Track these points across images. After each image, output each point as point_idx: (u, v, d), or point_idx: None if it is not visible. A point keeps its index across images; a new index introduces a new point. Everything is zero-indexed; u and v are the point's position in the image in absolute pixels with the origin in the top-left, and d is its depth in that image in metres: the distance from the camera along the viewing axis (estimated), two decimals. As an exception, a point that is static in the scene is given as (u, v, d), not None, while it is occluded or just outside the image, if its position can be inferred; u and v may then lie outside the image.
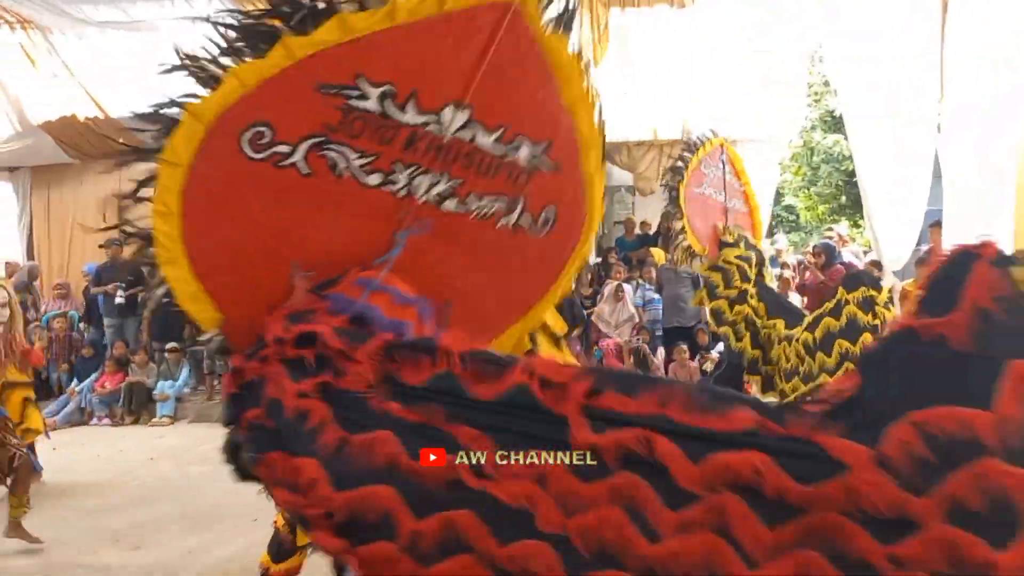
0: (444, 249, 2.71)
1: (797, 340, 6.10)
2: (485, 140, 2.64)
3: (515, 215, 2.81)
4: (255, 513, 5.83)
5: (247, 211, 2.42)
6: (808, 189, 21.90)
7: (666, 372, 9.24)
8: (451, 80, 2.53)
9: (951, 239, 8.82)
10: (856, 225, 17.87)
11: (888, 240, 8.97)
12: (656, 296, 9.86)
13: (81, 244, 11.98)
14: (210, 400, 10.15)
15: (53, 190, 12.69)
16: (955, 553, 1.46)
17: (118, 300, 10.33)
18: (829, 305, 6.00)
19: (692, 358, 9.18)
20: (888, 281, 8.91)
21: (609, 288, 9.84)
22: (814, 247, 10.74)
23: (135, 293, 9.86)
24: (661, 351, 9.66)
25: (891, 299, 6.20)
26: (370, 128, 2.45)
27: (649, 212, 13.20)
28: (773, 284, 8.09)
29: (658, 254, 10.74)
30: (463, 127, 2.58)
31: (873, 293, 5.91)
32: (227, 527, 5.58)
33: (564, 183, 2.88)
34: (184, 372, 10.29)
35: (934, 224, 8.37)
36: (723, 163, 7.06)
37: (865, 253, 11.06)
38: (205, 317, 2.45)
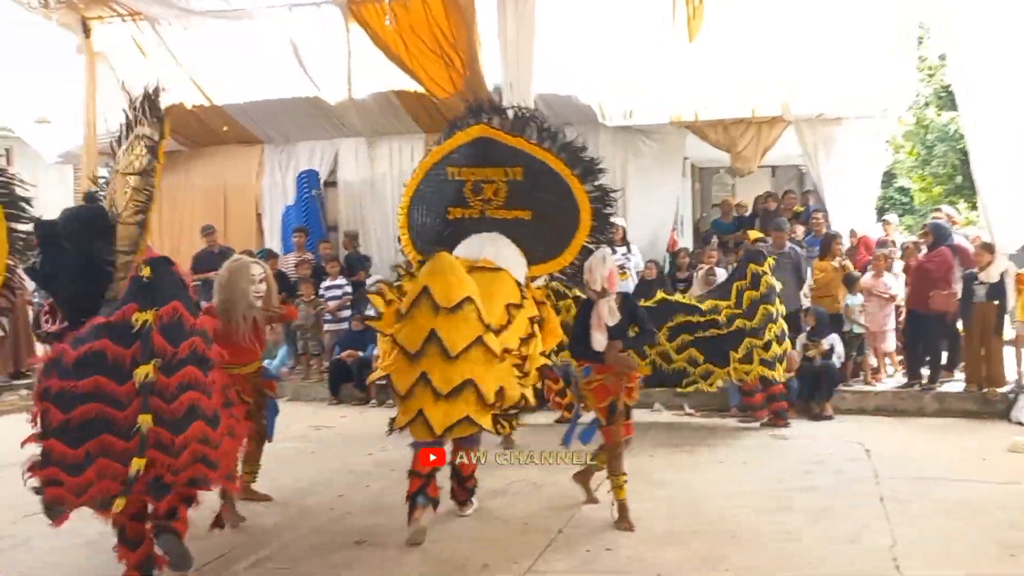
0: None
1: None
2: None
3: None
4: (341, 489, 5.99)
5: None
6: (922, 169, 20.84)
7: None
8: None
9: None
10: (974, 207, 16.92)
11: (1002, 223, 8.48)
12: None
13: (190, 230, 12.41)
14: (306, 379, 10.44)
15: (164, 177, 13.22)
16: None
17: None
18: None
19: (792, 344, 8.84)
20: (1001, 265, 8.40)
21: (700, 272, 9.59)
22: (923, 227, 10.23)
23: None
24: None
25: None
26: None
27: (747, 193, 12.85)
28: None
29: (755, 236, 10.40)
30: None
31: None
32: (312, 503, 5.72)
33: None
34: (282, 352, 10.60)
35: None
36: None
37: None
38: None
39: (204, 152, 12.83)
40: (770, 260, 7.98)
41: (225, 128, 12.24)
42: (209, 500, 5.06)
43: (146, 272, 4.03)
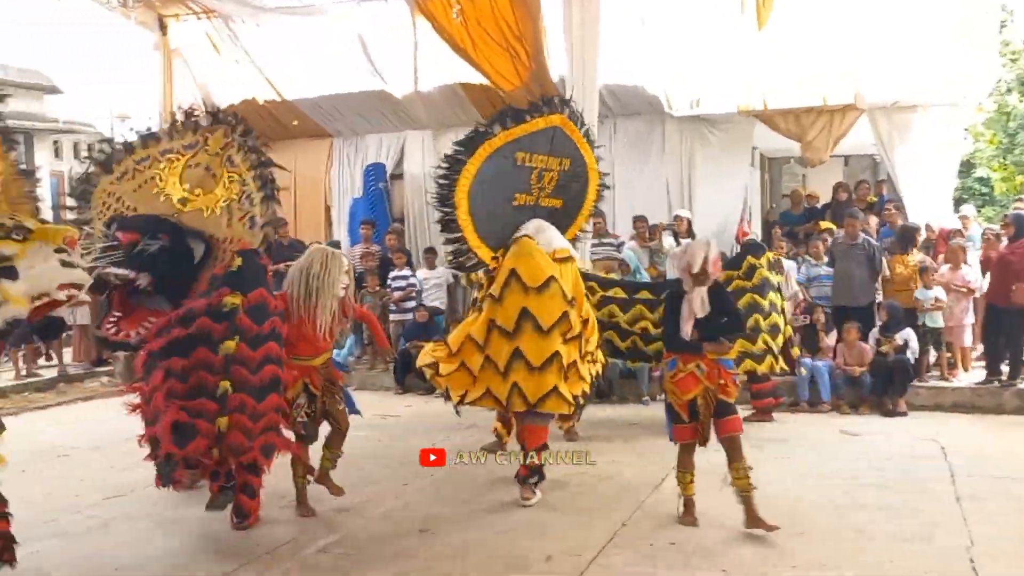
0: None
1: None
2: None
3: None
4: (406, 477, 6.06)
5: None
6: (1003, 158, 20.08)
7: (835, 354, 8.74)
8: None
9: None
10: (1061, 197, 16.21)
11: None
12: (823, 272, 9.33)
13: (261, 222, 12.71)
14: (372, 369, 10.59)
15: (237, 171, 13.55)
16: None
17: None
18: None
19: (864, 339, 8.63)
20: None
21: (768, 264, 9.40)
22: (1004, 217, 9.86)
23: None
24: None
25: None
26: None
27: (818, 183, 12.56)
28: None
29: (826, 227, 10.18)
30: None
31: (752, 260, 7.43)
32: (377, 491, 5.81)
33: None
34: (349, 341, 10.77)
35: None
36: None
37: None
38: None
39: (275, 146, 13.02)
40: (769, 255, 7.71)
41: (295, 123, 12.48)
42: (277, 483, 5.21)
43: (238, 262, 4.82)
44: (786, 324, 7.63)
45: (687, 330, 4.85)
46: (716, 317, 4.87)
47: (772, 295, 7.40)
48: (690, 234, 10.03)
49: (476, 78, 10.61)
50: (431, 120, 11.91)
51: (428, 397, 9.52)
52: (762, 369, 7.36)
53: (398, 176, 12.51)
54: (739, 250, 8.51)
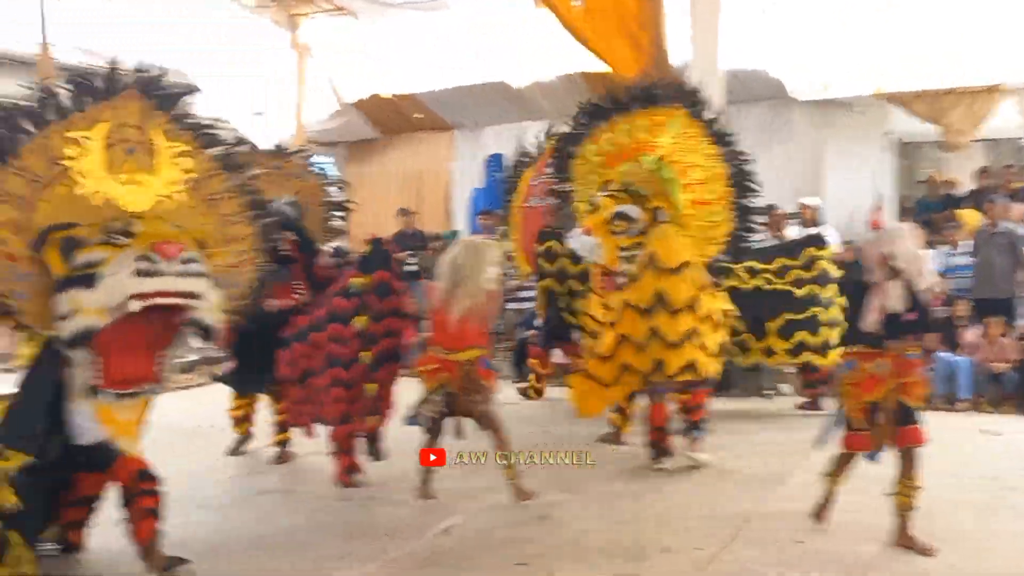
0: None
1: None
2: None
3: None
4: (522, 466, 6.10)
5: None
6: None
7: (975, 349, 8.27)
8: None
9: None
10: None
11: None
12: (962, 262, 8.84)
13: (386, 213, 13.03)
14: (490, 358, 10.69)
15: (364, 164, 13.96)
16: None
17: (409, 267, 11.10)
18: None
19: (1009, 333, 8.13)
20: None
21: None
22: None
23: (423, 259, 10.58)
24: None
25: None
26: None
27: (959, 168, 11.87)
28: None
29: (970, 216, 9.62)
30: None
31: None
32: (497, 478, 5.82)
33: None
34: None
35: None
36: None
37: None
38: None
39: (399, 140, 13.44)
40: (831, 249, 7.54)
41: (418, 116, 12.76)
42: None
43: (366, 249, 5.61)
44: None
45: (873, 320, 4.36)
46: (905, 313, 4.36)
47: (832, 288, 7.26)
48: (815, 223, 9.69)
49: (597, 67, 10.55)
50: (551, 110, 11.91)
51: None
52: (824, 363, 7.15)
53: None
54: (801, 240, 8.27)
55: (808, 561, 4.29)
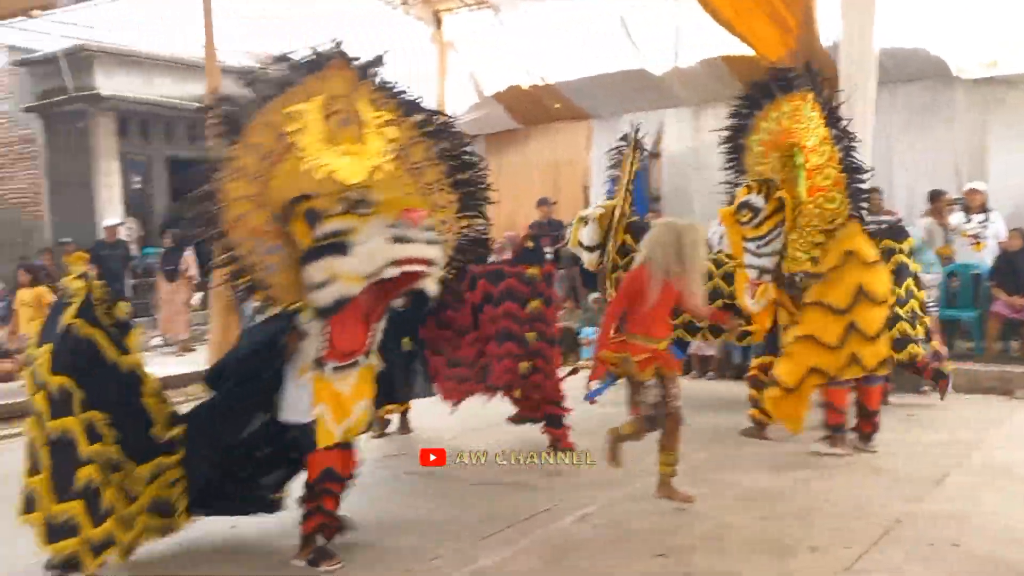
0: None
1: None
2: None
3: None
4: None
5: None
6: None
7: None
8: None
9: None
10: None
11: None
12: None
13: (527, 203, 13.13)
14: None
15: (504, 155, 14.09)
16: None
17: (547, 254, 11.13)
18: None
19: None
20: None
21: None
22: None
23: (561, 246, 10.57)
24: None
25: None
26: None
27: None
28: None
29: None
30: None
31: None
32: (639, 468, 5.76)
33: None
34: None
35: None
36: None
37: None
38: None
39: (537, 130, 13.50)
40: (911, 242, 6.87)
41: (557, 105, 12.78)
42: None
43: (530, 244, 6.27)
44: (924, 314, 6.97)
45: None
46: None
47: (909, 282, 6.80)
48: (983, 209, 9.06)
49: (740, 50, 10.24)
50: (691, 97, 11.69)
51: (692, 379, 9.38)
52: (900, 357, 6.66)
53: (655, 155, 12.42)
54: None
55: (960, 566, 4.04)
